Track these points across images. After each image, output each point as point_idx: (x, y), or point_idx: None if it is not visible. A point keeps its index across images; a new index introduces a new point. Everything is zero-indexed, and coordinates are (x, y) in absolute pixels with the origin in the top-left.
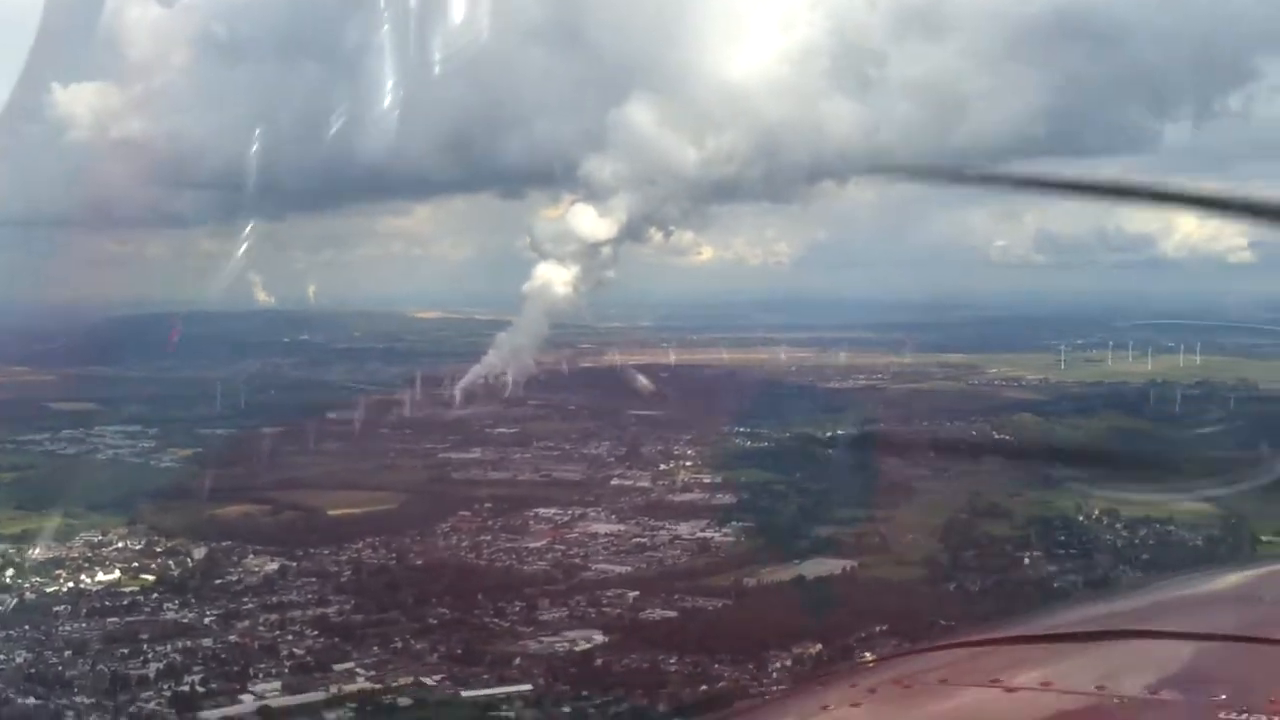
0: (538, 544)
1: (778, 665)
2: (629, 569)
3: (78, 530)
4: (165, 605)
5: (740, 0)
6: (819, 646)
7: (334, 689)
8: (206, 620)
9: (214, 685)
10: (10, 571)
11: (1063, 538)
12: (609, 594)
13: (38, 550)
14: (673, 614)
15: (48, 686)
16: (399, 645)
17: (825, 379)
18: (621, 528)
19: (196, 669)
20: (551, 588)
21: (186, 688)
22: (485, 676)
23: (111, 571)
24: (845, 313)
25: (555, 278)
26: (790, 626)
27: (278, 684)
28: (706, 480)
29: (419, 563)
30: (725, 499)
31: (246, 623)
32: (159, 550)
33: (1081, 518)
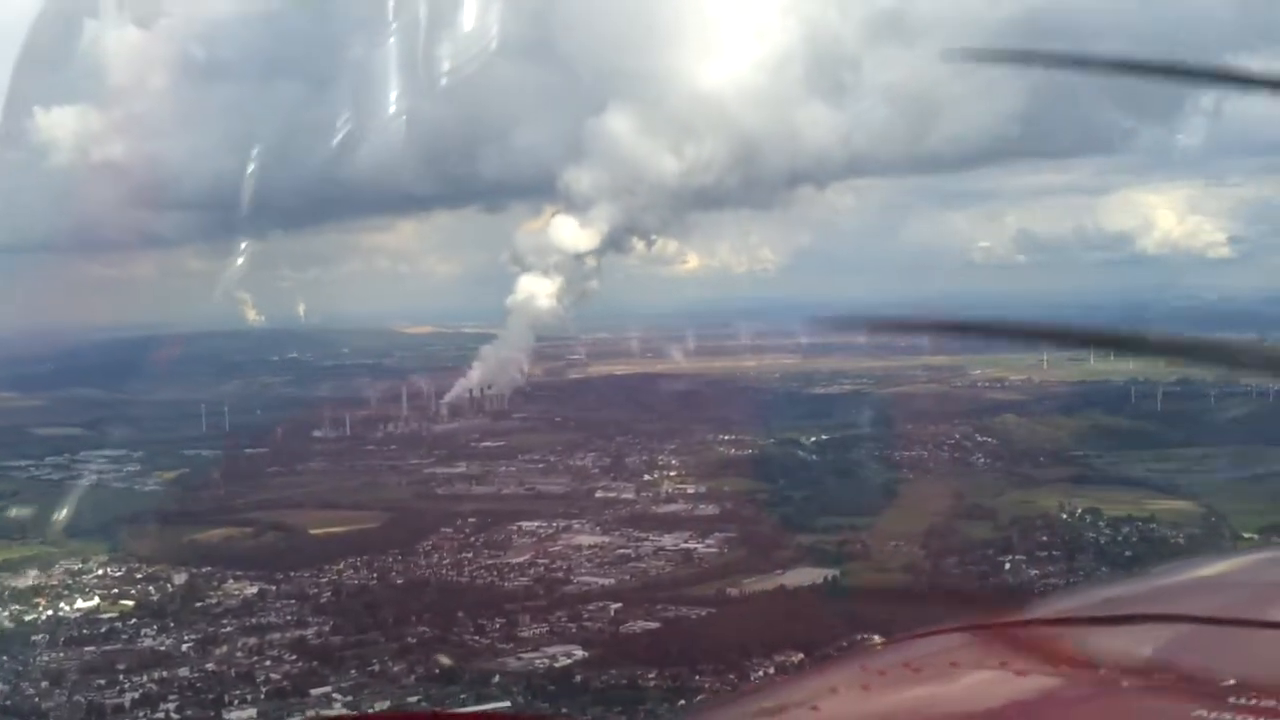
0: (520, 559)
1: (759, 674)
2: (612, 581)
3: (58, 558)
4: (144, 631)
5: (715, 9)
6: (801, 656)
7: (310, 713)
8: (184, 647)
9: (189, 713)
10: None
11: (1045, 538)
12: (591, 607)
13: (17, 580)
14: (655, 625)
15: (23, 718)
16: (376, 668)
17: (810, 384)
18: (605, 539)
19: (172, 698)
20: (533, 603)
21: (162, 716)
22: (463, 696)
23: (91, 598)
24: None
25: (539, 290)
26: (772, 636)
27: (253, 711)
28: (690, 490)
29: (400, 582)
30: (709, 509)
31: (224, 648)
32: (139, 576)
33: (1065, 516)
